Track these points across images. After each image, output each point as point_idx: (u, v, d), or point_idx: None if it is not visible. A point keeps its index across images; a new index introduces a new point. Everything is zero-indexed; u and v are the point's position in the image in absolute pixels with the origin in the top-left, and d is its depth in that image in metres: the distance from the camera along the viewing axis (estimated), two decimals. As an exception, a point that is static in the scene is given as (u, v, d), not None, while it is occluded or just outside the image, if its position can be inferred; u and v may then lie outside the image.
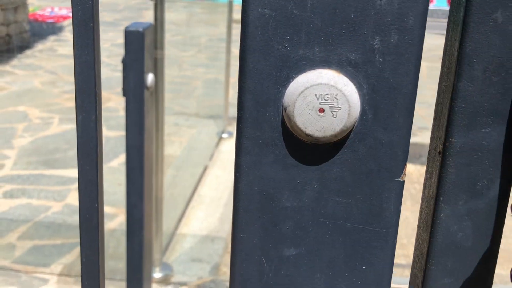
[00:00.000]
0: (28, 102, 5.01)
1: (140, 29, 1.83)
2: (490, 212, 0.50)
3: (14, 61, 6.25)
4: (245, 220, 0.50)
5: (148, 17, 8.77)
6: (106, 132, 4.43)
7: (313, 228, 0.50)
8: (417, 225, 0.55)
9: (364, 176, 0.49)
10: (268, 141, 0.48)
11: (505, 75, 0.46)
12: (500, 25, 0.45)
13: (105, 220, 3.17)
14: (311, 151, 0.48)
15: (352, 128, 0.47)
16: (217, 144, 4.34)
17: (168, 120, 4.61)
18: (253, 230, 0.50)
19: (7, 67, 6.01)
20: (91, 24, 0.51)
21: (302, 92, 0.46)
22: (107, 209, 3.29)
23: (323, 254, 0.51)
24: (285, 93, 0.47)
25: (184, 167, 4.08)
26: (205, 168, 3.91)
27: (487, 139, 0.48)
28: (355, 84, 0.46)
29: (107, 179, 3.66)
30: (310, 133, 0.46)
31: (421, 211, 0.55)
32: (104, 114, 4.80)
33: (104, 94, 5.28)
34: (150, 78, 1.95)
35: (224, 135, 4.47)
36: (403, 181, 0.49)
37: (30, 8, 7.71)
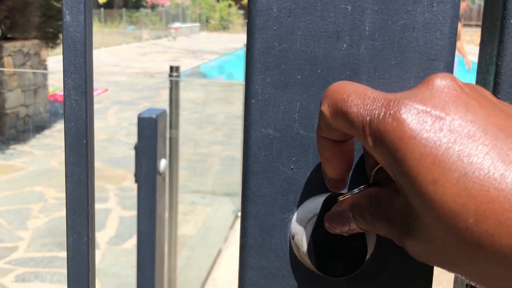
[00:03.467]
0: (45, 182, 5.02)
1: (153, 116, 1.82)
2: None
3: (32, 141, 6.34)
4: None
5: (165, 95, 8.92)
6: (120, 212, 4.39)
7: None
8: None
9: (384, 313, 0.43)
10: (274, 271, 0.43)
11: None
12: None
13: (117, 306, 3.07)
14: (323, 284, 0.43)
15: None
16: (233, 223, 4.26)
17: (184, 199, 4.57)
18: None
19: (25, 147, 6.08)
20: (85, 141, 0.48)
21: (311, 219, 0.41)
22: (119, 294, 3.20)
23: None
24: (293, 219, 0.42)
25: (200, 247, 4.00)
26: (221, 249, 3.82)
27: None
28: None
29: (121, 262, 3.58)
30: (322, 265, 0.41)
31: None
32: (119, 193, 4.79)
33: (121, 172, 5.29)
34: (162, 163, 1.92)
35: (240, 213, 4.41)
36: None
37: (51, 89, 7.90)
